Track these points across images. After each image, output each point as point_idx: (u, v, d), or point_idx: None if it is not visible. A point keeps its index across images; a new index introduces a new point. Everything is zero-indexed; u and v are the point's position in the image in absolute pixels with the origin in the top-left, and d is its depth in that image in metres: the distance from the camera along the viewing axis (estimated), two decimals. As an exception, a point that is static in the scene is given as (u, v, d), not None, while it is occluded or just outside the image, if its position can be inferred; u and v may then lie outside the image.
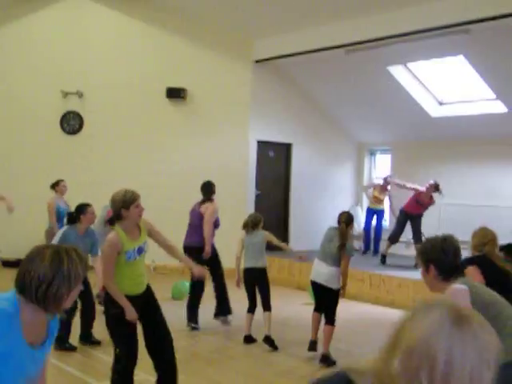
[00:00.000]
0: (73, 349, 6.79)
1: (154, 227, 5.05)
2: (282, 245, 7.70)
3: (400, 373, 1.26)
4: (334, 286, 6.61)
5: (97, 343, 7.04)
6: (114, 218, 4.84)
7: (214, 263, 8.05)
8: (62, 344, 6.72)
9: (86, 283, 6.94)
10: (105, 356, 6.47)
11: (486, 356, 1.22)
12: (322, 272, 6.65)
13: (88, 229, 6.93)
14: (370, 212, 12.89)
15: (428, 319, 1.26)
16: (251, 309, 7.39)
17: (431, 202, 10.97)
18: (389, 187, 12.55)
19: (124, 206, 4.76)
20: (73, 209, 7.30)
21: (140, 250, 4.86)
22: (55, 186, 9.75)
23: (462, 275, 3.28)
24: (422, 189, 10.97)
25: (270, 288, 7.43)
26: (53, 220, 9.42)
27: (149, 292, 5.02)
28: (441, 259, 3.20)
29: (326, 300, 6.70)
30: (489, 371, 1.22)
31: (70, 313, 6.89)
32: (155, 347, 4.94)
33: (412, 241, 11.19)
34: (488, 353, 1.23)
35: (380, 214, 12.79)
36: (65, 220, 8.69)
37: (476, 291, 3.17)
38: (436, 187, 10.91)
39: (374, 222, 12.87)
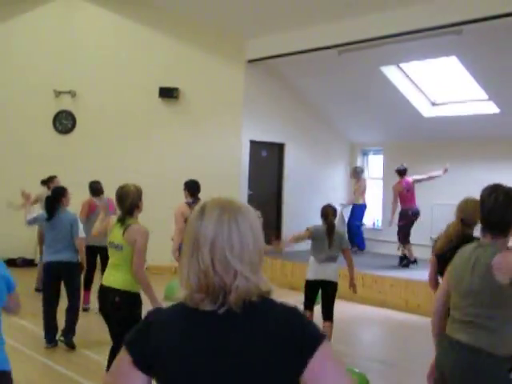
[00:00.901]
0: (73, 347, 6.73)
1: None
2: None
3: (212, 263, 1.60)
4: (335, 279, 6.63)
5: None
6: (128, 213, 4.84)
7: None
8: (55, 342, 6.70)
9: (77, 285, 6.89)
10: (95, 355, 6.46)
11: (254, 231, 1.67)
12: (327, 271, 6.60)
13: None
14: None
15: (210, 218, 1.65)
16: None
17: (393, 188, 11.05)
18: (363, 180, 12.88)
19: (140, 197, 4.89)
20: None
21: None
22: (48, 182, 9.28)
23: (498, 235, 3.13)
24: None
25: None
26: None
27: None
28: (480, 209, 3.20)
29: (324, 295, 6.63)
30: (254, 240, 1.66)
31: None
32: None
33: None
34: (255, 229, 1.67)
35: (355, 208, 12.86)
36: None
37: (453, 268, 3.25)
38: (396, 171, 11.11)
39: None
